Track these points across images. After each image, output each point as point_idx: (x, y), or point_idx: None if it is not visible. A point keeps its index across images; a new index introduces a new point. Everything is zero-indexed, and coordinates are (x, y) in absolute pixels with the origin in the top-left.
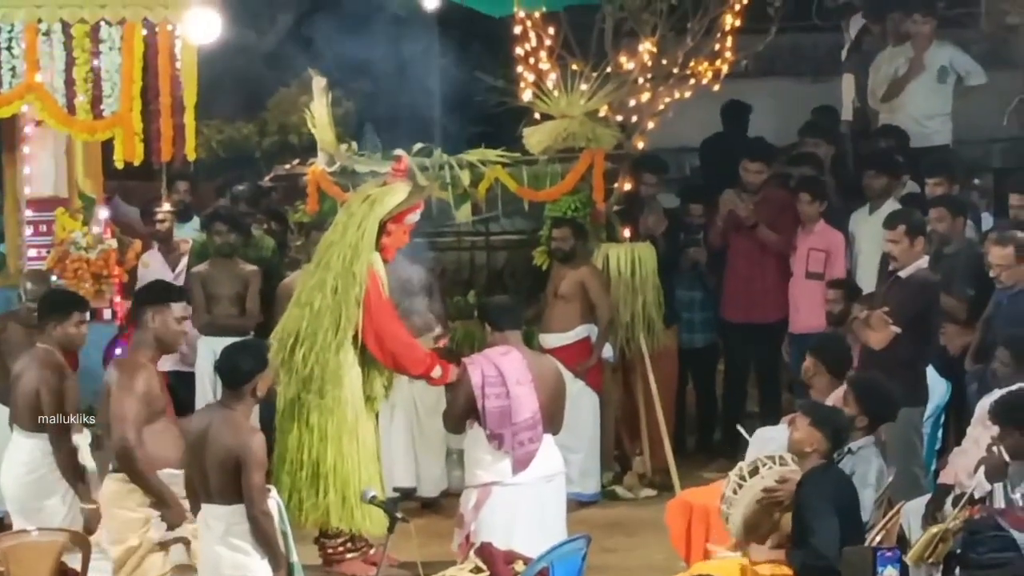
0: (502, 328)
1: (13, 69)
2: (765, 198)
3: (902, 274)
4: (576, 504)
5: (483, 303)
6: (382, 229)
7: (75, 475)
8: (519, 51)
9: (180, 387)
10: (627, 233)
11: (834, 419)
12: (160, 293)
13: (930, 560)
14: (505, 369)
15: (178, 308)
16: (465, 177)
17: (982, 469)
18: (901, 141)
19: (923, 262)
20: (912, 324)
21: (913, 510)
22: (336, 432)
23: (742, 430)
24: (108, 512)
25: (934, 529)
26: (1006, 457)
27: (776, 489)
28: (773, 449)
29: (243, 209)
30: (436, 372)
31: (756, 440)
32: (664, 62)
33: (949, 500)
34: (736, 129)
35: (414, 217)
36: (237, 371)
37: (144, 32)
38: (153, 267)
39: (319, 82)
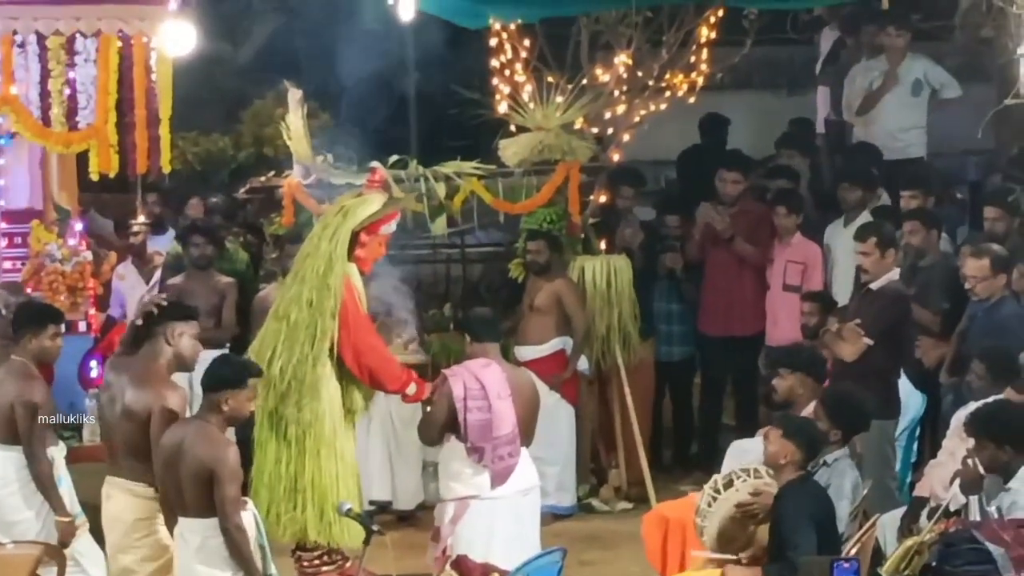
0: (482, 340)
1: None
2: (742, 210)
3: (873, 286)
4: (552, 517)
5: (464, 315)
6: (356, 240)
7: (50, 489)
8: (495, 63)
9: None
10: (603, 245)
11: (806, 430)
12: (178, 311)
13: (906, 572)
14: (487, 382)
15: (191, 325)
16: (441, 189)
17: (958, 482)
18: (874, 158)
19: (894, 274)
20: (884, 336)
21: (888, 522)
22: (314, 446)
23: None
24: (138, 527)
25: (909, 542)
26: (981, 470)
27: (751, 502)
28: (749, 462)
29: (218, 221)
30: (411, 389)
31: (732, 452)
32: (640, 74)
33: (924, 513)
34: (713, 141)
35: (389, 228)
36: (213, 377)
37: (119, 44)
38: (128, 279)
39: (294, 94)
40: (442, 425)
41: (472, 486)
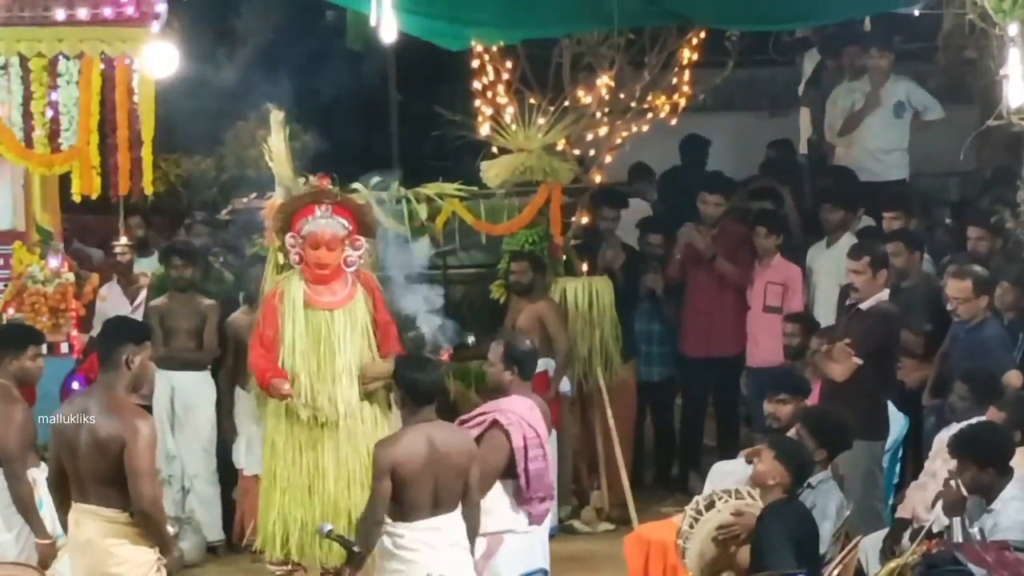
0: (528, 376)
1: None
2: (723, 231)
3: (863, 306)
4: None
5: (513, 348)
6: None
7: (31, 510)
8: (477, 85)
9: None
10: (584, 267)
11: (800, 455)
12: (139, 332)
13: None
14: (539, 428)
15: (147, 346)
16: (422, 211)
17: (940, 503)
18: (850, 180)
19: (884, 295)
20: (873, 356)
21: (871, 544)
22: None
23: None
24: (111, 551)
25: (892, 563)
26: (964, 491)
27: (732, 523)
28: (730, 483)
29: (199, 243)
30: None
31: (714, 474)
32: (622, 96)
33: (907, 534)
34: (694, 163)
35: (309, 225)
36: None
37: (102, 66)
38: (111, 300)
39: (276, 116)
40: (498, 476)
41: (507, 521)
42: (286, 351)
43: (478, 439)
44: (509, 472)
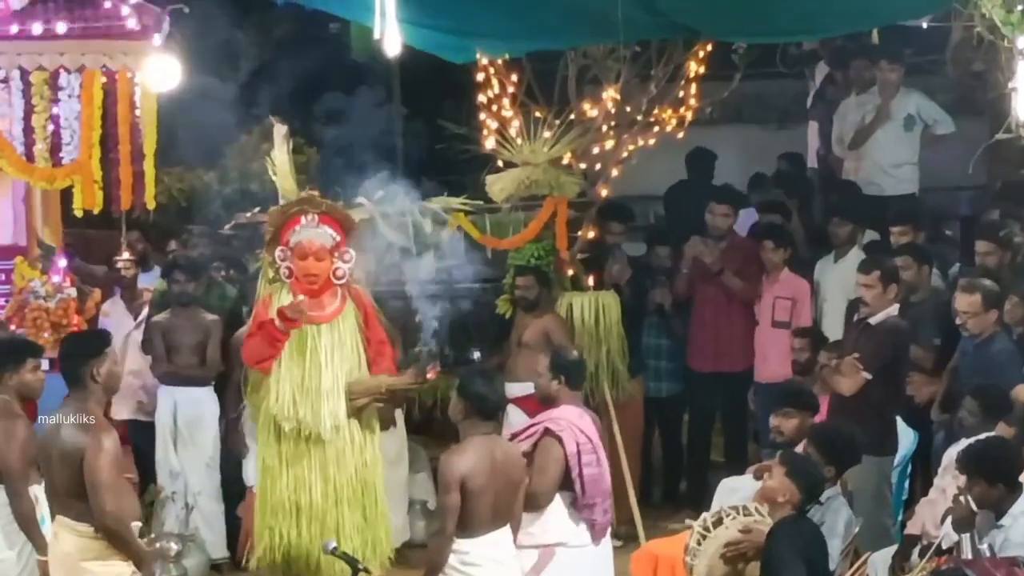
0: (577, 386)
1: None
2: (731, 245)
3: (872, 321)
4: None
5: (558, 358)
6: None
7: (33, 528)
8: (482, 98)
9: (139, 437)
10: (591, 281)
11: (812, 472)
12: (98, 343)
13: None
14: (592, 434)
15: (108, 354)
16: (427, 225)
17: (950, 519)
18: (855, 196)
19: (893, 309)
20: (883, 371)
21: (880, 561)
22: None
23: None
24: (84, 567)
25: None
26: (973, 507)
27: (740, 540)
28: (738, 499)
29: (200, 257)
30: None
31: (722, 490)
32: (628, 109)
33: (916, 551)
34: (701, 177)
35: (296, 236)
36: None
37: (103, 79)
38: (114, 316)
39: (280, 129)
40: (555, 484)
41: (562, 533)
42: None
43: (531, 450)
44: (564, 482)
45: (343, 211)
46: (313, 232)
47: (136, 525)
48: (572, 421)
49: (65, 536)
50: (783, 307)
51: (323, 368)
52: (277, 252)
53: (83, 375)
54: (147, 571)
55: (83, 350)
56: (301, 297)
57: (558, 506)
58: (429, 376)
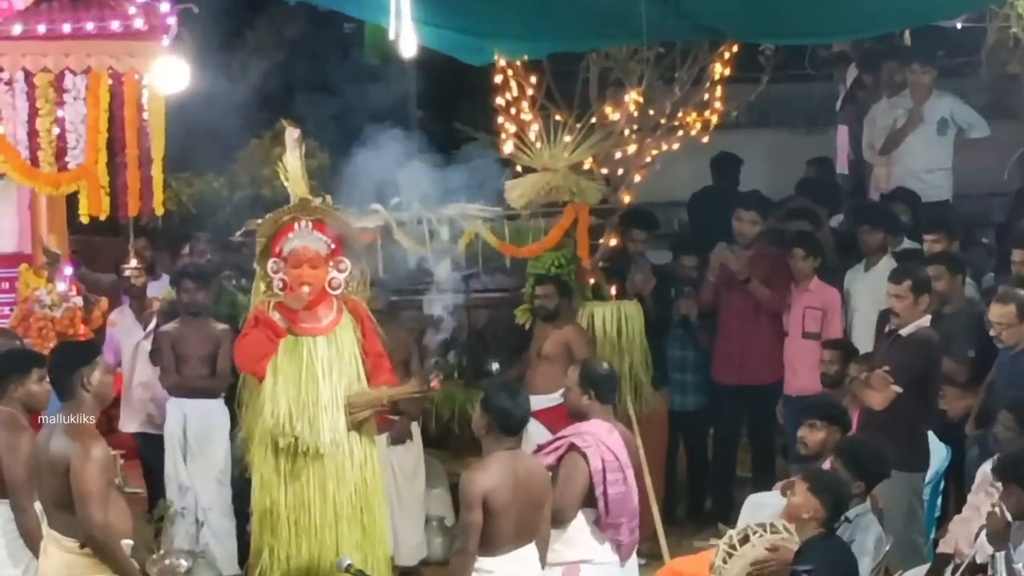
0: (608, 400)
1: None
2: (758, 253)
3: (903, 332)
4: None
5: (587, 372)
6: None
7: (39, 543)
8: (500, 101)
9: (148, 450)
10: (613, 291)
11: (835, 488)
12: (87, 352)
13: None
14: (619, 452)
15: (98, 363)
16: (444, 232)
17: (983, 535)
18: (912, 203)
19: (925, 321)
20: (914, 385)
21: None
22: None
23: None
24: None
25: None
26: (1008, 517)
27: (768, 559)
28: (765, 516)
29: (211, 265)
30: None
31: (748, 507)
32: (651, 113)
33: (948, 570)
34: (726, 182)
35: (289, 244)
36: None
37: (110, 82)
38: (122, 325)
39: (292, 133)
40: (578, 501)
41: (586, 551)
42: (266, 377)
43: (556, 464)
44: (588, 499)
45: (339, 217)
46: (307, 239)
47: (127, 543)
48: (600, 437)
49: (53, 551)
50: (813, 317)
51: (320, 381)
52: (269, 264)
53: (73, 384)
54: None
55: (72, 359)
56: (305, 289)
57: (582, 523)
58: (432, 385)
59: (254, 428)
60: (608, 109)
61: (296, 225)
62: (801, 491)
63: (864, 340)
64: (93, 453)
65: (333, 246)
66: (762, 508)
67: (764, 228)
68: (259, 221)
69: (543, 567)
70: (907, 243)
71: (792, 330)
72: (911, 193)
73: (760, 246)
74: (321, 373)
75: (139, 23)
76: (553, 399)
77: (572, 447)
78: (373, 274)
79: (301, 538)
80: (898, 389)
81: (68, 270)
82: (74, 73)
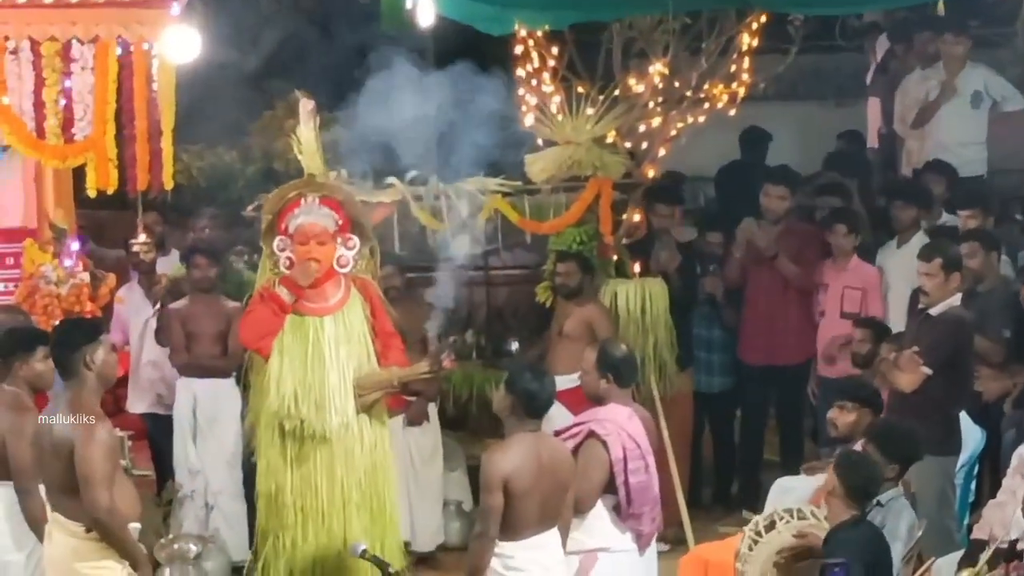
0: (627, 384)
1: None
2: (788, 229)
3: (933, 311)
4: None
5: (606, 355)
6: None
7: (43, 527)
8: (521, 72)
9: (157, 431)
10: (637, 268)
11: (859, 468)
12: (90, 329)
13: None
14: (640, 440)
15: (102, 341)
16: (463, 208)
17: (1019, 512)
18: (950, 176)
19: (956, 300)
20: (944, 366)
21: (945, 566)
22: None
23: (748, 515)
24: (76, 569)
25: (966, 573)
26: None
27: (795, 545)
28: (793, 501)
29: (222, 241)
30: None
31: (775, 491)
32: (676, 85)
33: (983, 556)
34: (754, 156)
35: (296, 220)
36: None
37: (119, 51)
38: (131, 303)
39: (306, 105)
40: (598, 490)
41: (605, 538)
42: (272, 358)
43: (574, 451)
44: (609, 486)
45: (347, 192)
46: (314, 215)
47: (135, 527)
48: (620, 424)
49: (57, 535)
50: (852, 298)
51: (327, 363)
52: (276, 242)
53: (76, 362)
54: (143, 573)
55: (75, 337)
56: (313, 266)
57: (601, 510)
58: (445, 365)
59: (260, 410)
60: (632, 81)
61: (303, 201)
62: (829, 472)
63: (898, 319)
64: (97, 434)
65: (341, 222)
66: (789, 492)
67: (793, 204)
68: (269, 196)
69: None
70: (945, 217)
71: (829, 310)
72: (947, 166)
73: (789, 222)
74: (328, 354)
75: None
76: (574, 380)
77: (591, 434)
78: (389, 250)
79: (308, 524)
80: (928, 371)
81: (75, 245)
82: (81, 42)
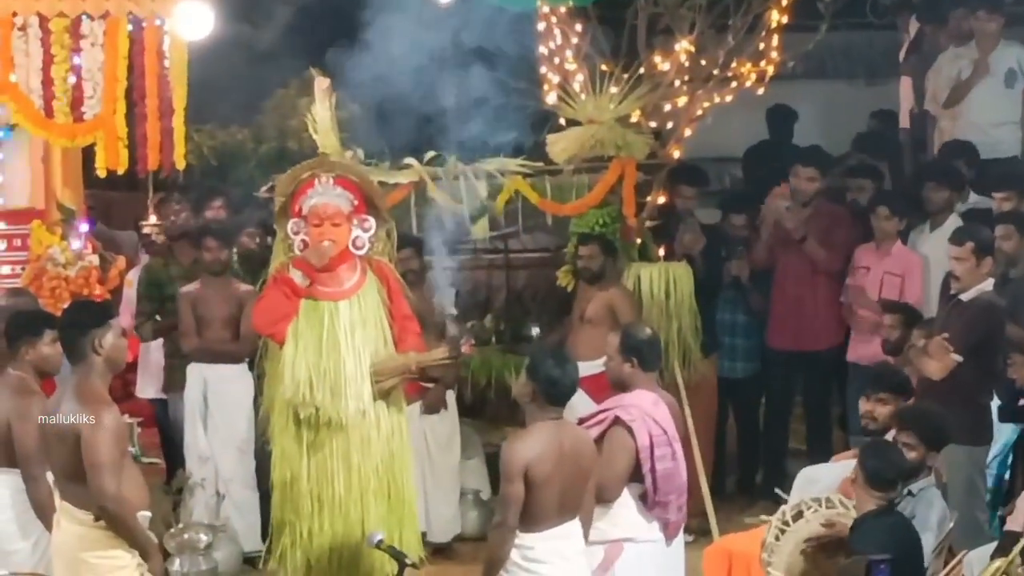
0: (652, 368)
1: None
2: (817, 211)
3: (964, 297)
4: None
5: (629, 337)
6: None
7: (50, 515)
8: (543, 50)
9: (167, 418)
10: (661, 251)
11: (881, 454)
12: (100, 313)
13: None
14: (667, 426)
15: (111, 325)
16: (482, 188)
17: None
18: (970, 157)
19: (987, 285)
20: (975, 353)
21: (976, 560)
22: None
23: (780, 493)
24: (83, 558)
25: (995, 563)
26: None
27: (823, 535)
28: (820, 490)
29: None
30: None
31: (802, 480)
32: (703, 63)
33: (1017, 548)
34: (782, 136)
35: (310, 201)
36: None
37: (129, 27)
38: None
39: (321, 83)
40: (624, 478)
41: (630, 528)
42: (286, 343)
43: (599, 439)
44: (635, 474)
45: (362, 173)
46: (329, 195)
47: (145, 515)
48: (645, 410)
49: (65, 524)
50: (892, 284)
51: (343, 348)
52: (290, 225)
53: (84, 347)
54: (154, 563)
55: (84, 320)
56: (326, 244)
57: (627, 499)
58: (464, 350)
59: (275, 397)
60: (657, 59)
61: (316, 182)
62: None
63: (932, 305)
64: (105, 420)
65: (356, 203)
66: (816, 482)
67: (823, 185)
68: (280, 178)
69: (584, 543)
70: (973, 198)
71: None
72: (968, 145)
73: (818, 203)
74: (343, 339)
75: None
76: (597, 366)
77: (617, 421)
78: (407, 232)
79: (324, 514)
80: (958, 357)
81: (83, 227)
82: (91, 18)
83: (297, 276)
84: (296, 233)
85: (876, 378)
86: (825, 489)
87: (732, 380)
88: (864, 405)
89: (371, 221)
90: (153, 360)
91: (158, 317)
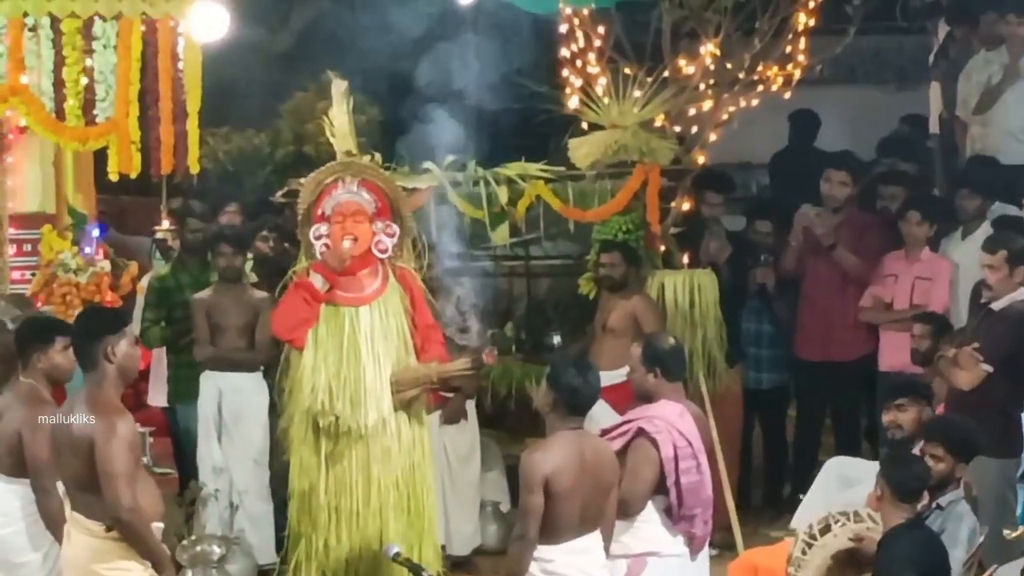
0: (676, 378)
1: None
2: (848, 218)
3: (995, 306)
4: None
5: (652, 347)
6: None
7: (61, 526)
8: (565, 53)
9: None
10: (685, 259)
11: (903, 466)
12: (115, 320)
13: None
14: (692, 438)
15: (125, 333)
16: (503, 194)
17: None
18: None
19: (1020, 294)
20: (1006, 364)
21: (1008, 575)
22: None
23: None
24: (94, 570)
25: None
26: None
27: (851, 549)
28: (859, 492)
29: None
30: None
31: (829, 472)
32: (728, 66)
33: None
34: (803, 140)
35: (332, 202)
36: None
37: (143, 29)
38: None
39: (339, 86)
40: (649, 491)
41: (654, 542)
42: (305, 350)
43: (623, 450)
44: (659, 487)
45: (386, 177)
46: (352, 195)
47: (158, 527)
48: (670, 421)
49: (76, 535)
50: (923, 290)
51: (363, 356)
52: (311, 231)
53: (97, 355)
54: (167, 574)
55: (97, 327)
56: (346, 244)
57: (651, 512)
58: (486, 361)
59: (294, 406)
60: (682, 62)
61: (340, 184)
62: (877, 477)
63: (962, 315)
64: (119, 430)
65: (380, 205)
66: (850, 483)
67: (855, 191)
68: (301, 181)
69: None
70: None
71: (898, 304)
72: (989, 159)
73: (849, 211)
74: (364, 346)
75: None
76: (619, 375)
77: (641, 432)
78: (426, 238)
79: (342, 526)
80: (988, 368)
81: (95, 232)
82: (104, 19)
83: (317, 280)
84: (319, 238)
85: (893, 387)
86: (865, 491)
87: (758, 391)
88: (886, 416)
89: (395, 227)
90: (166, 368)
91: (163, 324)
